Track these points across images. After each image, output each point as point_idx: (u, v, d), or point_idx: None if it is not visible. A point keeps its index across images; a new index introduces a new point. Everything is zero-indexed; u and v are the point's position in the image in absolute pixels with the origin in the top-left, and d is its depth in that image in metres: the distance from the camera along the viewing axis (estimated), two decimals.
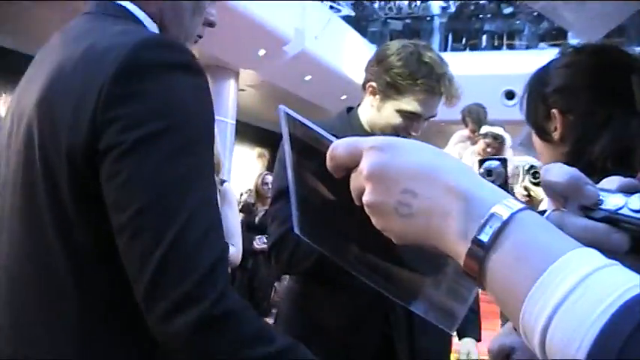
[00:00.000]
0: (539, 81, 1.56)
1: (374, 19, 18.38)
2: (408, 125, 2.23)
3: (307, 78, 12.88)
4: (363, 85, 2.33)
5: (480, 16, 17.93)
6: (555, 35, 16.30)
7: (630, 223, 0.61)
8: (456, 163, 0.66)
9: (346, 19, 15.18)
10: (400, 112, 2.21)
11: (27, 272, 1.21)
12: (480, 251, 0.59)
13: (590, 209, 0.63)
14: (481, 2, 18.57)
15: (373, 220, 0.68)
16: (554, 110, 1.49)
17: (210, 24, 1.50)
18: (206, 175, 1.16)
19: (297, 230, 0.92)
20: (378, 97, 2.26)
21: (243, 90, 13.68)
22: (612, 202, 0.62)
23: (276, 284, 7.99)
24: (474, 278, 0.61)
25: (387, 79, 2.21)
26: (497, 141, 5.28)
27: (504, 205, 0.59)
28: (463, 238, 0.61)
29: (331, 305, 2.21)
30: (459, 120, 6.24)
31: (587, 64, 1.49)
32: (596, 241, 0.60)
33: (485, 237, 0.59)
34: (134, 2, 1.33)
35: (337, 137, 0.73)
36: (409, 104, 2.20)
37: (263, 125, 16.89)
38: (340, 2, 15.37)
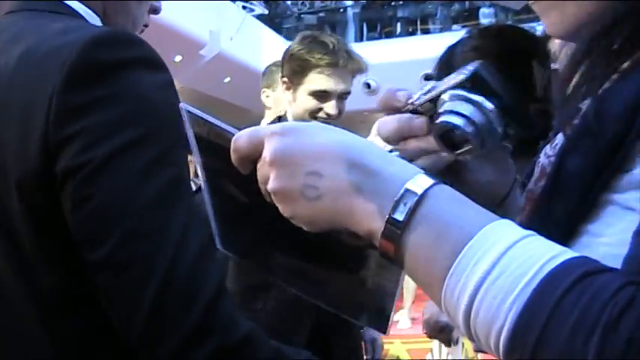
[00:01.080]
0: (447, 63, 1.57)
1: (288, 15, 18.37)
2: (324, 106, 2.30)
3: (227, 80, 12.79)
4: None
5: (392, 3, 18.09)
6: (467, 17, 16.58)
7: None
8: (363, 141, 0.64)
9: (260, 17, 15.14)
10: (311, 93, 2.29)
11: None
12: (396, 231, 0.58)
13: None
14: None
15: (280, 208, 0.65)
16: None
17: (155, 10, 1.35)
18: (187, 185, 1.02)
19: (219, 246, 0.86)
20: (290, 90, 2.34)
21: None
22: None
23: None
24: (392, 259, 0.59)
25: (292, 66, 2.32)
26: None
27: (417, 181, 0.58)
28: (376, 217, 0.59)
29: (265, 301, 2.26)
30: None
31: (491, 48, 1.51)
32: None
33: (400, 215, 0.57)
34: None
35: (240, 129, 0.70)
36: (316, 82, 2.28)
37: None
38: (253, 2, 15.31)
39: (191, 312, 0.91)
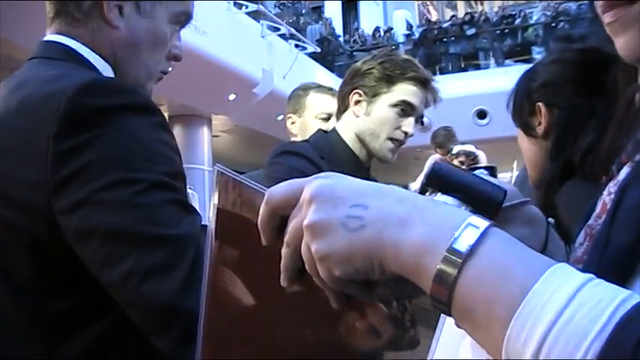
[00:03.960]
0: (527, 78, 1.58)
1: (340, 53, 18.52)
2: (402, 121, 2.16)
3: (279, 118, 12.88)
4: (341, 104, 2.26)
5: (444, 39, 18.12)
6: (520, 51, 16.51)
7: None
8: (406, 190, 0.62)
9: (312, 55, 15.27)
10: (393, 104, 2.15)
11: None
12: (457, 260, 0.53)
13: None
14: (444, 26, 18.79)
15: (314, 247, 0.59)
16: (539, 104, 1.50)
17: (175, 57, 1.32)
18: (188, 204, 1.04)
19: None
20: (364, 103, 2.18)
21: (217, 136, 13.68)
22: None
23: None
24: (439, 299, 0.55)
25: (376, 75, 2.16)
26: (470, 158, 5.28)
27: (475, 219, 0.56)
28: (428, 249, 0.55)
29: None
30: None
31: (573, 59, 1.50)
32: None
33: (462, 247, 0.54)
34: (82, 42, 1.18)
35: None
36: (401, 93, 2.15)
37: (240, 169, 16.79)
38: (305, 40, 15.46)
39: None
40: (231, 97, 11.44)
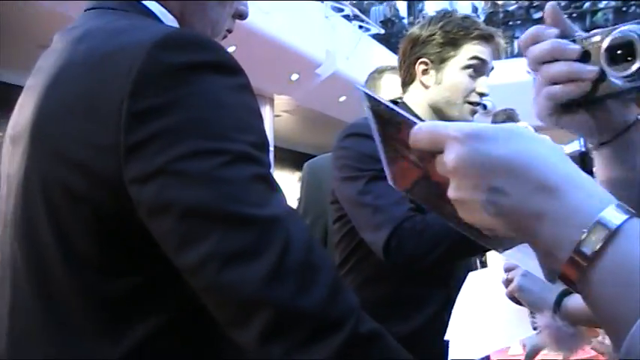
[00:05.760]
0: None
1: (403, 34, 18.33)
2: (476, 85, 2.09)
3: (342, 99, 12.88)
4: (407, 76, 2.18)
5: (510, 22, 17.81)
6: None
7: None
8: (551, 151, 0.61)
9: (376, 37, 15.19)
10: (464, 67, 2.07)
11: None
12: (582, 264, 0.55)
13: None
14: (510, 9, 18.47)
15: (460, 213, 0.63)
16: None
17: (241, 15, 1.23)
18: (274, 181, 0.94)
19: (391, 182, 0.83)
20: (432, 71, 2.10)
21: (278, 115, 13.73)
22: None
23: None
24: (572, 288, 0.57)
25: (439, 40, 2.07)
26: None
27: (608, 214, 0.55)
28: (561, 246, 0.56)
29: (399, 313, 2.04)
30: None
31: None
32: None
33: (588, 249, 0.54)
34: None
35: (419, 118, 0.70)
36: (470, 54, 2.07)
37: (301, 149, 16.93)
38: (369, 21, 15.38)
39: (315, 304, 0.86)
40: (294, 77, 11.46)
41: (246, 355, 0.92)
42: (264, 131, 0.98)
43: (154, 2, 1.09)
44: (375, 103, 0.75)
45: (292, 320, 0.85)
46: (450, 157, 0.62)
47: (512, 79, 13.35)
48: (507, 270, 1.60)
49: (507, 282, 1.58)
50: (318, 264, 0.90)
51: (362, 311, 0.90)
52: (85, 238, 0.94)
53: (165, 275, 0.94)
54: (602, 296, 0.54)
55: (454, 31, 2.07)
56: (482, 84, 2.09)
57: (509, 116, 5.85)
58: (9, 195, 1.06)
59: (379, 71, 3.30)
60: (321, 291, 0.87)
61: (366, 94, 0.75)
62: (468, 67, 2.08)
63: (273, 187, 0.93)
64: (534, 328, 1.54)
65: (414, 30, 2.17)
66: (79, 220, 0.94)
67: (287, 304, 0.85)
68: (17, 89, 1.14)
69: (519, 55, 17.11)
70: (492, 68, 2.15)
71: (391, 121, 0.74)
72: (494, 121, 5.84)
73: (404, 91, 2.22)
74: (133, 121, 0.88)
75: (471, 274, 1.98)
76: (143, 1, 1.09)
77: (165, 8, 1.11)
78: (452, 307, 1.94)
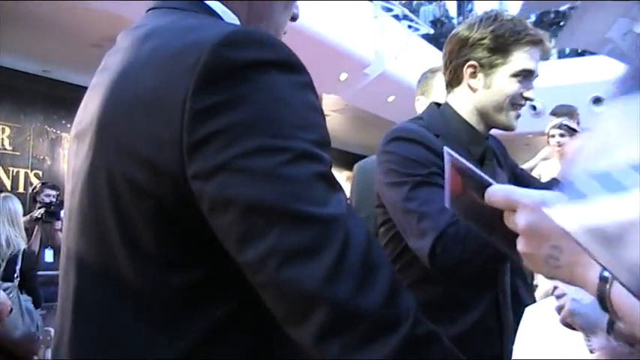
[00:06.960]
0: None
1: None
2: (524, 89, 2.10)
3: (390, 99, 12.84)
4: (453, 78, 2.18)
5: (561, 23, 17.58)
6: None
7: None
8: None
9: (425, 37, 15.11)
10: (514, 74, 2.08)
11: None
12: (604, 286, 0.77)
13: None
14: (561, 9, 18.22)
15: (526, 263, 0.85)
16: None
17: (293, 17, 1.26)
18: (334, 179, 0.96)
19: (447, 205, 1.04)
20: (480, 74, 2.10)
21: (327, 115, 13.76)
22: None
23: None
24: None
25: (489, 45, 2.07)
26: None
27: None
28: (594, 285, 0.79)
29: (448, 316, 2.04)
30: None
31: None
32: None
33: (604, 285, 0.79)
34: None
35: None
36: (521, 62, 2.07)
37: (350, 149, 16.90)
38: (418, 21, 15.31)
39: (372, 304, 0.87)
40: (343, 76, 11.45)
41: (302, 353, 0.94)
42: (326, 129, 1.00)
43: (216, 2, 1.12)
44: (457, 160, 0.96)
45: (349, 319, 0.87)
46: (521, 222, 0.83)
47: (561, 81, 13.22)
48: (558, 297, 1.61)
49: (559, 309, 1.59)
50: (377, 264, 0.91)
51: (419, 312, 0.91)
52: (148, 232, 0.97)
53: (225, 271, 0.97)
54: (620, 309, 0.77)
55: (505, 36, 2.06)
56: (529, 89, 2.10)
57: (569, 112, 5.80)
58: (74, 190, 1.09)
59: (432, 71, 3.34)
60: (379, 291, 0.89)
61: (450, 154, 0.97)
62: (518, 74, 2.08)
63: (334, 185, 0.96)
64: (591, 351, 1.55)
65: (462, 31, 2.16)
66: (143, 213, 0.96)
67: (344, 303, 0.87)
68: (70, 87, 1.18)
69: (570, 56, 16.85)
70: (537, 76, 2.15)
71: (467, 174, 0.95)
72: (553, 114, 5.78)
73: (449, 92, 2.23)
74: (196, 117, 0.91)
75: (527, 309, 2.00)
76: (206, 1, 1.12)
77: (228, 8, 1.13)
78: (499, 311, 1.97)
